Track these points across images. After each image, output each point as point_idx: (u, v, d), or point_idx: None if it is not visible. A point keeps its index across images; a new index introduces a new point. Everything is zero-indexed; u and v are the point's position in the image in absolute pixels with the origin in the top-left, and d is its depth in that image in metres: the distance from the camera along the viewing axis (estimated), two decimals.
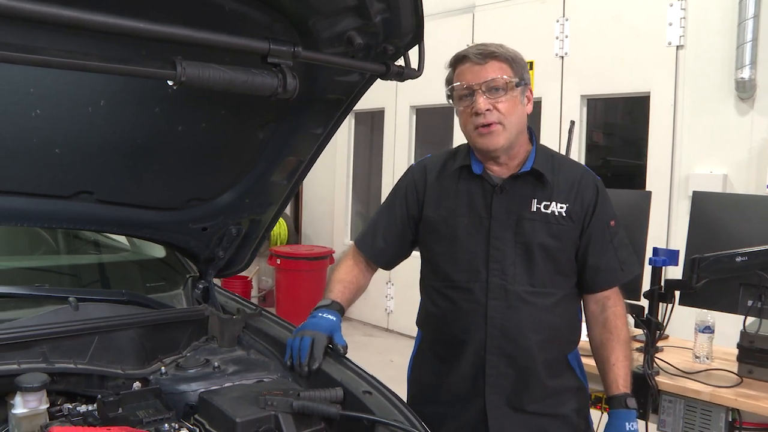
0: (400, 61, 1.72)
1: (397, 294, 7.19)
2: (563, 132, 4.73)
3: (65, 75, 1.49)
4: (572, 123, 3.46)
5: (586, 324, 2.13)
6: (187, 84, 1.28)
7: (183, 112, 1.75)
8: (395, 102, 7.18)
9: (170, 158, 1.86)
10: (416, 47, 1.67)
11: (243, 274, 7.94)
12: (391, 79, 1.67)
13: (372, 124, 8.10)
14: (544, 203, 2.00)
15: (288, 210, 8.68)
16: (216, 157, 1.93)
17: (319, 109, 1.89)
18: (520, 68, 1.96)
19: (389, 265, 2.25)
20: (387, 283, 7.24)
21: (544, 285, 2.01)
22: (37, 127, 1.61)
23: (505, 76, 1.91)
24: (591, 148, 8.20)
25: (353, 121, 7.88)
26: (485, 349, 2.00)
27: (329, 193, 8.07)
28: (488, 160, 2.02)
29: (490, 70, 1.91)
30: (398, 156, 7.06)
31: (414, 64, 1.70)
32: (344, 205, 7.89)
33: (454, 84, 1.97)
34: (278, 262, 7.40)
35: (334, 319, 1.99)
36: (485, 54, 1.93)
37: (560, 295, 2.03)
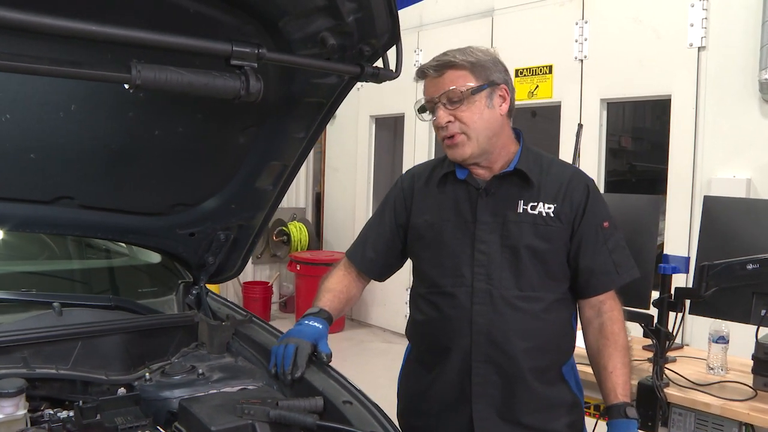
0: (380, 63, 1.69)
1: None
2: (583, 136, 4.65)
3: (32, 79, 1.48)
4: (580, 126, 3.39)
5: (582, 330, 2.06)
6: (143, 87, 1.26)
7: (158, 117, 1.73)
8: (414, 108, 7.13)
9: (150, 163, 1.84)
10: (394, 48, 1.63)
11: (263, 279, 8.04)
12: (367, 81, 1.63)
13: (395, 130, 8.08)
14: (531, 204, 1.94)
15: (309, 215, 8.69)
16: (197, 162, 1.91)
17: (299, 113, 1.86)
18: (484, 71, 1.90)
19: (381, 276, 2.22)
20: (407, 290, 7.18)
21: (533, 289, 1.94)
22: (9, 131, 1.60)
23: (465, 86, 1.87)
24: (617, 152, 8.11)
25: (374, 126, 7.86)
26: (471, 356, 1.94)
27: (350, 199, 8.05)
28: (469, 165, 1.98)
29: (447, 80, 1.88)
30: (418, 162, 7.00)
31: (392, 66, 1.66)
32: (365, 211, 7.86)
33: (420, 98, 1.97)
34: (298, 268, 7.40)
35: (320, 326, 1.95)
36: (441, 65, 1.89)
37: (550, 300, 1.97)
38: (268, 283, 7.91)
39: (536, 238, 1.93)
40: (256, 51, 1.37)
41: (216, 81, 1.34)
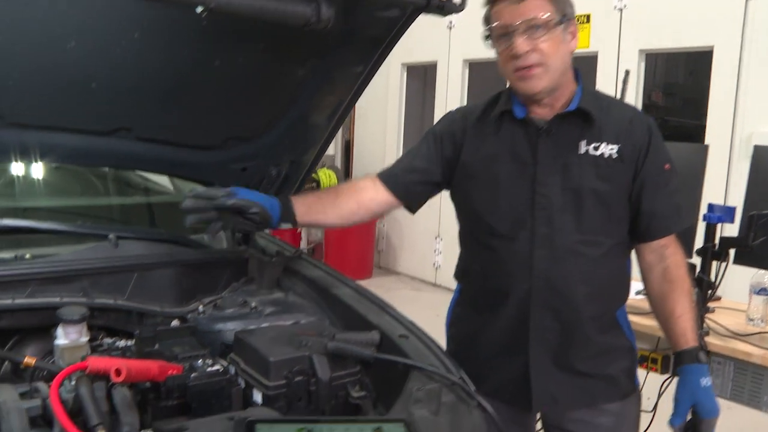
0: None
1: (445, 249, 7.15)
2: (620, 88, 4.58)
3: (98, 6, 1.46)
4: (627, 72, 3.32)
5: (643, 277, 2.01)
6: (216, 10, 1.24)
7: (220, 47, 1.71)
8: (448, 55, 7.05)
9: (208, 95, 1.83)
10: None
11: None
12: (432, 13, 1.59)
13: (425, 79, 7.99)
14: (594, 144, 1.88)
15: (339, 162, 8.68)
16: (254, 95, 1.89)
17: (359, 46, 1.83)
18: (561, 3, 1.82)
19: (408, 197, 2.08)
20: (436, 238, 7.21)
21: (594, 233, 1.90)
22: (73, 60, 1.59)
23: (545, 14, 1.77)
24: (649, 108, 7.97)
25: (405, 74, 7.79)
26: (529, 302, 1.91)
27: (380, 148, 8.02)
28: (531, 103, 1.90)
29: (528, 8, 1.77)
30: (450, 95, 6.96)
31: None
32: (395, 160, 7.83)
33: (492, 24, 1.84)
34: None
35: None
36: None
37: (610, 245, 1.93)
38: (297, 229, 7.94)
39: (599, 180, 1.87)
40: None
41: (287, 6, 1.32)
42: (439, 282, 7.31)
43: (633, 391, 2.06)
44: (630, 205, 1.94)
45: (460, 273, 2.16)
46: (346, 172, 8.68)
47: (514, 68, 1.82)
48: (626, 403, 2.03)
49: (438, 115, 7.09)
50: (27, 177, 2.30)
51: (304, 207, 1.97)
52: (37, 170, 2.32)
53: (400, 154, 7.91)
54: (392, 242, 8.10)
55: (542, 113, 1.91)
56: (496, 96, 2.03)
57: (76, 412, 1.38)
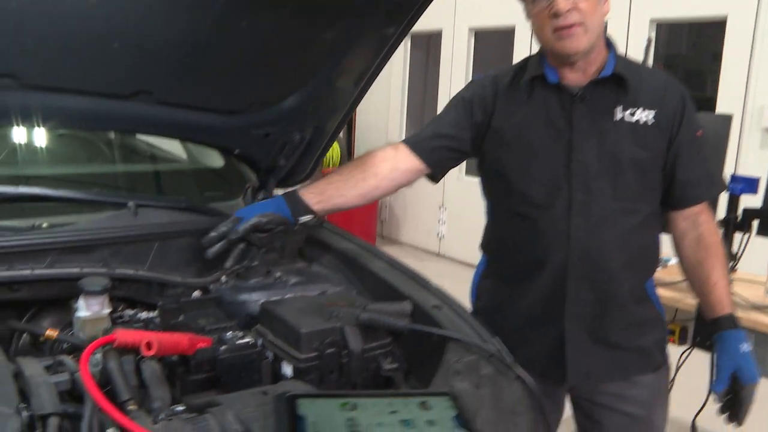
0: None
1: (449, 219, 7.12)
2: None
3: None
4: (649, 40, 3.27)
5: (676, 245, 1.99)
6: None
7: (247, 7, 1.63)
8: (453, 24, 6.95)
9: (232, 58, 1.75)
10: None
11: None
12: None
13: (428, 49, 7.88)
14: (630, 110, 1.84)
15: (341, 133, 8.58)
16: (280, 58, 1.80)
17: (390, 7, 1.75)
18: None
19: (435, 165, 2.01)
20: (440, 208, 7.17)
21: (631, 201, 1.87)
22: (95, 18, 1.51)
23: None
24: None
25: (409, 45, 7.68)
26: (565, 273, 1.87)
27: (383, 119, 7.94)
28: (564, 66, 1.86)
29: None
30: (455, 81, 6.86)
31: None
32: (398, 132, 7.77)
33: None
34: None
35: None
36: None
37: (646, 213, 1.89)
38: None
39: (635, 147, 1.84)
40: None
41: None
42: (443, 252, 7.27)
43: (664, 363, 2.04)
44: (664, 173, 1.90)
45: (488, 244, 2.11)
46: (348, 145, 8.61)
47: (554, 27, 1.77)
48: (658, 375, 2.02)
49: (443, 86, 7.03)
50: (30, 144, 2.22)
51: (316, 195, 1.92)
52: (40, 136, 2.24)
53: (404, 126, 7.84)
54: (395, 212, 8.05)
55: (574, 78, 1.87)
56: (523, 62, 1.98)
57: (103, 386, 1.32)
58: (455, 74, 6.91)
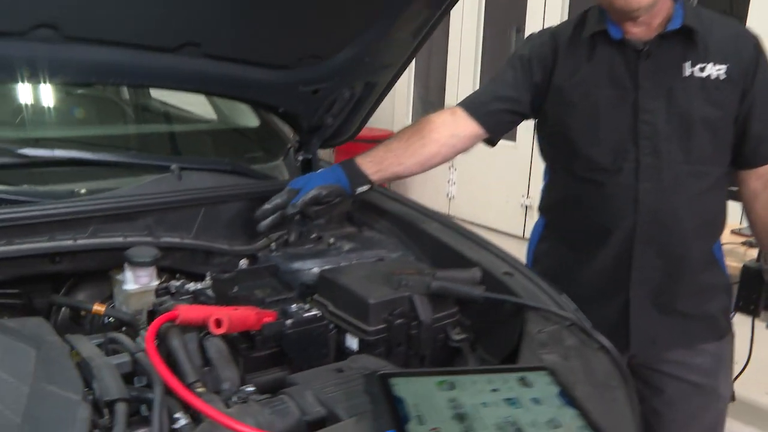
0: None
1: (459, 179, 7.00)
2: None
3: None
4: None
5: (747, 205, 1.90)
6: None
7: None
8: None
9: (283, 7, 1.61)
10: None
11: None
12: None
13: None
14: (699, 66, 1.73)
15: None
16: (335, 8, 1.67)
17: None
18: None
19: (495, 128, 1.90)
20: (450, 168, 7.03)
21: (702, 162, 1.77)
22: None
23: None
24: None
25: None
26: (633, 239, 1.78)
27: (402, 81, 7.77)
28: (626, 20, 1.73)
29: None
30: (465, 37, 6.67)
31: None
32: (406, 88, 7.60)
33: None
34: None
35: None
36: None
37: (717, 175, 1.80)
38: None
39: (707, 105, 1.73)
40: None
41: None
42: (453, 213, 7.16)
43: (729, 330, 1.97)
44: (735, 128, 1.80)
45: (549, 207, 2.02)
46: None
47: None
48: (723, 343, 1.95)
49: (453, 39, 6.84)
50: (58, 104, 2.08)
51: (374, 164, 1.82)
52: (68, 97, 2.11)
53: (412, 83, 7.63)
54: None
55: (638, 33, 1.76)
56: (581, 17, 1.86)
57: None
58: (466, 29, 6.70)
